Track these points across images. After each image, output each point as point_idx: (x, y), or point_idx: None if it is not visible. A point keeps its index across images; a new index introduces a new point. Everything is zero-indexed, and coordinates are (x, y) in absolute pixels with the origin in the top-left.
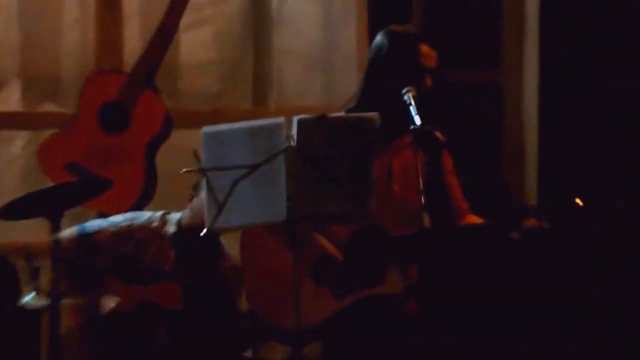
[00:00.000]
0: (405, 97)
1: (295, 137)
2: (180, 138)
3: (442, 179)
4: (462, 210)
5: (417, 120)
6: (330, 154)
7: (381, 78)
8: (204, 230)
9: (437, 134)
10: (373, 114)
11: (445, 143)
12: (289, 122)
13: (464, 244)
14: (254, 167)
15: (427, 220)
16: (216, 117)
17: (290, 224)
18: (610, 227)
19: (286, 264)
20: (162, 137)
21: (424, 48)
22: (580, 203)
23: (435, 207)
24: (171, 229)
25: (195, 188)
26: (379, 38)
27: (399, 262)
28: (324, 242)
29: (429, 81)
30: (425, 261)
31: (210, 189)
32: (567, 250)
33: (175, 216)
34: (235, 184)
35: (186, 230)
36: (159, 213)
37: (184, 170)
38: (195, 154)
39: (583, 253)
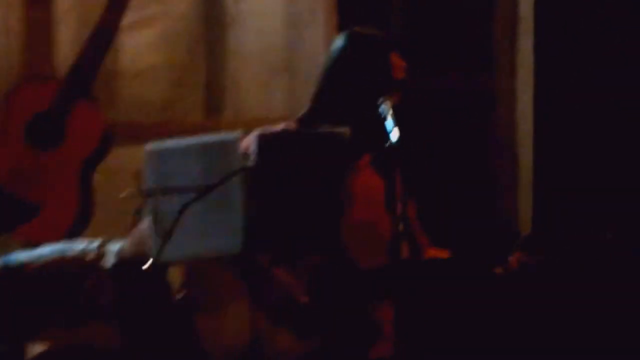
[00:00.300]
0: (381, 109)
1: (254, 154)
2: (120, 155)
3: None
4: (421, 244)
5: (395, 135)
6: (295, 175)
7: (341, 89)
8: (148, 263)
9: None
10: (344, 129)
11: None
12: (247, 137)
13: (443, 277)
14: (206, 190)
15: (406, 251)
16: (162, 130)
17: (248, 256)
18: (598, 262)
19: (239, 301)
20: (99, 154)
21: (394, 58)
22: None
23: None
24: (110, 261)
25: (139, 213)
26: (340, 41)
27: (371, 299)
28: (286, 278)
29: (397, 96)
30: (402, 298)
31: (155, 215)
32: (557, 287)
33: (114, 246)
34: (183, 209)
35: (127, 263)
36: (96, 243)
37: (125, 193)
38: (138, 174)
39: (573, 289)
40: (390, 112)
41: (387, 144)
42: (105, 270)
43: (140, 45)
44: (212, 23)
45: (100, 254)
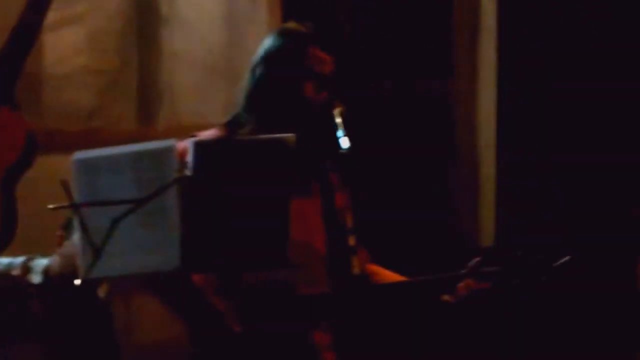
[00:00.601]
0: (332, 114)
1: (191, 164)
2: (46, 165)
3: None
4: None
5: (345, 142)
6: (236, 185)
7: (266, 87)
8: (78, 281)
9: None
10: (290, 135)
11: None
12: (182, 145)
13: (389, 303)
14: (139, 203)
15: (357, 266)
16: (91, 139)
17: (184, 274)
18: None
19: (166, 326)
20: (23, 164)
21: (316, 51)
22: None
23: (333, 257)
24: (36, 278)
25: (66, 228)
26: (269, 39)
27: (309, 324)
28: (219, 304)
29: (310, 89)
30: (343, 324)
31: (84, 230)
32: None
33: (40, 262)
34: (115, 223)
35: (56, 280)
36: (20, 259)
37: (52, 206)
38: (65, 185)
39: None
40: (339, 119)
41: (336, 153)
42: (32, 288)
43: (65, 46)
44: (144, 21)
45: (26, 270)
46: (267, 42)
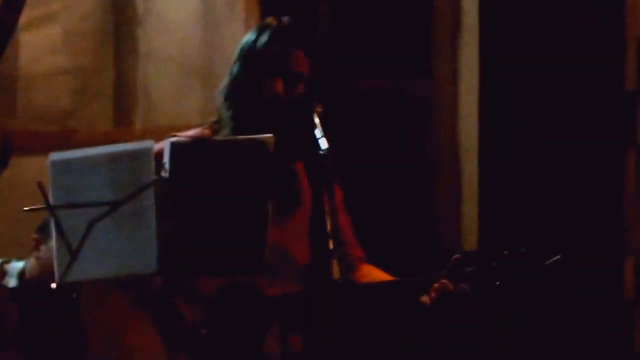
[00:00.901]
0: (310, 115)
1: (167, 165)
2: (20, 167)
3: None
4: (354, 258)
5: (324, 143)
6: (214, 186)
7: (241, 83)
8: (54, 284)
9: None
10: (268, 136)
11: (336, 173)
12: (159, 146)
13: (362, 305)
14: (115, 205)
15: (336, 270)
16: (67, 140)
17: (163, 276)
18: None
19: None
20: None
21: (289, 47)
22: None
23: (318, 257)
24: (12, 282)
25: (42, 230)
26: (249, 35)
27: (279, 328)
28: (186, 308)
29: (281, 86)
30: (313, 327)
31: (60, 232)
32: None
33: (15, 266)
34: (91, 225)
35: (31, 284)
36: None
37: (27, 208)
38: (41, 187)
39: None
40: (318, 120)
41: (315, 154)
42: (7, 292)
43: (40, 45)
44: (120, 21)
45: (1, 274)
46: (243, 38)
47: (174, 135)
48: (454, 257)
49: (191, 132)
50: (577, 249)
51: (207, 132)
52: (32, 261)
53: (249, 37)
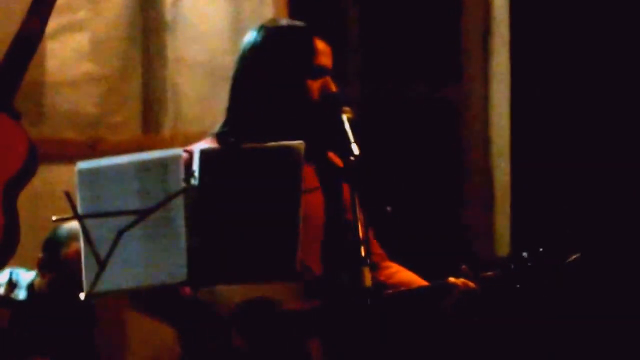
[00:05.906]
0: (341, 119)
1: (197, 173)
2: (48, 176)
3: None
4: (377, 256)
5: (355, 148)
6: (244, 194)
7: (261, 88)
8: (83, 295)
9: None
10: (299, 143)
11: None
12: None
13: (389, 317)
14: (144, 213)
15: (367, 278)
16: (95, 148)
17: (193, 286)
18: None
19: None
20: (24, 174)
21: (319, 43)
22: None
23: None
24: (21, 294)
25: (47, 249)
26: (252, 36)
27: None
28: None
29: (331, 84)
30: (335, 339)
31: (88, 242)
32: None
33: (25, 277)
34: (120, 234)
35: (41, 297)
36: (3, 273)
37: (55, 218)
38: (68, 196)
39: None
40: (347, 124)
41: (352, 157)
42: (17, 304)
43: (68, 52)
44: (148, 28)
45: (11, 287)
46: (256, 41)
47: (185, 151)
48: (461, 267)
49: (200, 145)
50: (615, 257)
51: (215, 143)
52: (40, 279)
53: (260, 40)
